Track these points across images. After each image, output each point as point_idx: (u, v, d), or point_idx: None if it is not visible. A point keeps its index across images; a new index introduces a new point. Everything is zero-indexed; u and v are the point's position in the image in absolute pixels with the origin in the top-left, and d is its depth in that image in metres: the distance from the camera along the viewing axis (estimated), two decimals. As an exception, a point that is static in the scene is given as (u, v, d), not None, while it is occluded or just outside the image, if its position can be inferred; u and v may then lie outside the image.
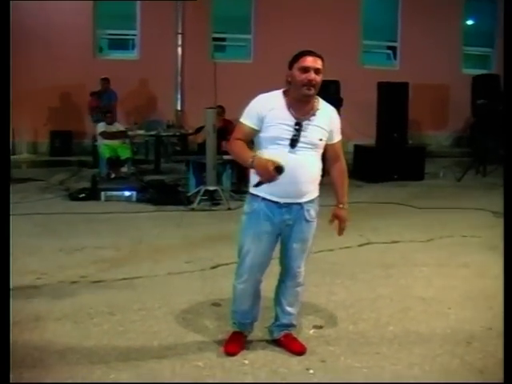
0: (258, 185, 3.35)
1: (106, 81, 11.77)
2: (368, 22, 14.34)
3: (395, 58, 14.82)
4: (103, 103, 11.58)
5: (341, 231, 3.69)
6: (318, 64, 3.41)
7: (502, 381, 3.29)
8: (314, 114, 3.45)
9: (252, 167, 3.36)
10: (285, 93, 3.49)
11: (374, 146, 11.20)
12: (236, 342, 3.69)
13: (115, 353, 3.60)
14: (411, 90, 11.76)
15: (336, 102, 10.95)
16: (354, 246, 6.24)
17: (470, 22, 15.77)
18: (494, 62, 15.07)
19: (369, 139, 11.46)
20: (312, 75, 3.37)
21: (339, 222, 3.69)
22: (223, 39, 14.49)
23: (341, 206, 3.68)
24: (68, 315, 4.18)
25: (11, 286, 4.62)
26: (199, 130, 9.60)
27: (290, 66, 3.45)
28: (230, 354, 3.61)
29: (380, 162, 10.76)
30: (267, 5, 13.53)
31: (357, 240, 6.43)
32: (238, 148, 3.48)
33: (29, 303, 4.43)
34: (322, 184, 3.57)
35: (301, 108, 3.40)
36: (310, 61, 3.40)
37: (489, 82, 10.99)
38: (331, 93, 10.99)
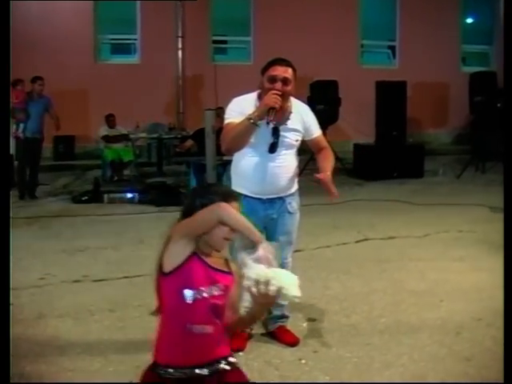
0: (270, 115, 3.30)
1: (40, 81, 9.18)
2: (367, 22, 14.41)
3: (394, 57, 14.90)
4: (35, 109, 9.10)
5: (330, 189, 3.36)
6: (288, 74, 3.39)
7: (487, 368, 3.43)
8: (288, 118, 3.51)
9: (257, 120, 3.30)
10: (259, 97, 3.49)
11: (374, 145, 11.30)
12: (239, 338, 3.71)
13: (114, 346, 3.72)
14: (411, 88, 11.88)
15: (334, 101, 11.16)
16: (351, 243, 6.35)
17: (469, 20, 15.84)
18: (492, 59, 15.14)
19: (368, 138, 11.57)
20: (278, 85, 3.35)
21: (324, 184, 3.38)
22: (223, 41, 14.59)
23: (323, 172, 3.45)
24: (69, 312, 4.30)
25: (15, 286, 4.79)
26: (184, 139, 9.79)
27: (262, 74, 3.45)
28: (235, 349, 3.55)
29: (379, 160, 10.84)
30: (266, 6, 13.62)
31: (354, 236, 6.55)
32: (231, 130, 3.44)
33: (32, 302, 4.54)
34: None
35: (275, 114, 3.34)
36: (278, 70, 3.38)
37: (486, 80, 11.07)
38: (330, 92, 11.17)
